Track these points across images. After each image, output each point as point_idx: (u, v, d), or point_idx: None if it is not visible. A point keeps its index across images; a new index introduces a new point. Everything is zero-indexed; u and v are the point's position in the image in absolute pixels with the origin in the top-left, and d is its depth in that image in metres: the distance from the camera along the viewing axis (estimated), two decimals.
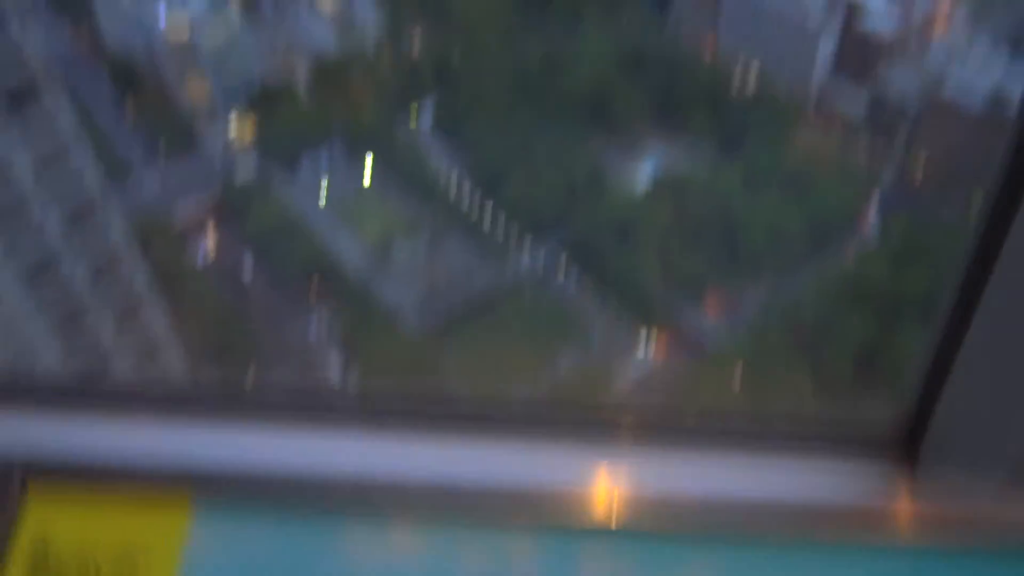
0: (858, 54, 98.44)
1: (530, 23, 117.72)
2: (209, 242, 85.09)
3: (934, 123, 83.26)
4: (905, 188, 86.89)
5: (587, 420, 3.12)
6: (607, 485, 2.84)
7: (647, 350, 72.07)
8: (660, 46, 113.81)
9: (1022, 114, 2.60)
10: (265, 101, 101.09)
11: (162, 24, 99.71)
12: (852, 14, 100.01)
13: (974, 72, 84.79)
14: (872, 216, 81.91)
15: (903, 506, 2.81)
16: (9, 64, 41.52)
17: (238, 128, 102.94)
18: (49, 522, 2.74)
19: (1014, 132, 2.67)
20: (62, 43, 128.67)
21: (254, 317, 72.01)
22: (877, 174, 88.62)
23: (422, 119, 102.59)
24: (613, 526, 2.70)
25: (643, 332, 72.00)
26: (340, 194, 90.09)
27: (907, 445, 2.97)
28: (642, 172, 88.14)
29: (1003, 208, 2.60)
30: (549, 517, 2.75)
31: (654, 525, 2.74)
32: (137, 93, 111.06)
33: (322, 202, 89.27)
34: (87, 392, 3.35)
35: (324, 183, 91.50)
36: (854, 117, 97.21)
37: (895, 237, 71.10)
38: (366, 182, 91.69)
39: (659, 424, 3.13)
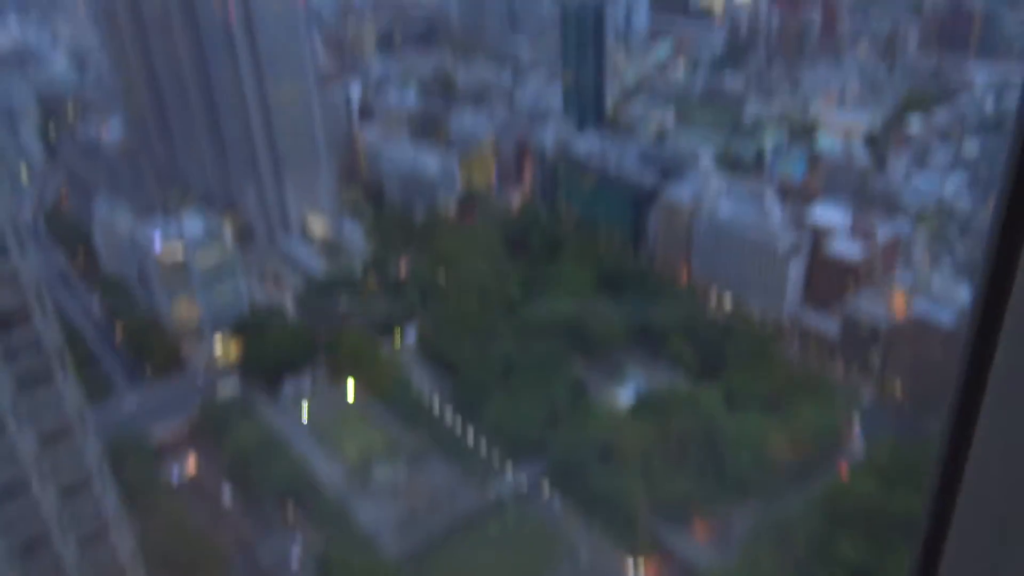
0: (827, 278, 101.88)
1: (512, 252, 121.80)
2: (186, 462, 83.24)
3: (906, 343, 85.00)
4: (886, 405, 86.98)
5: None
6: None
7: (636, 574, 68.94)
8: (636, 273, 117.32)
9: (969, 340, 2.75)
10: (252, 322, 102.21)
11: (157, 248, 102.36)
12: (818, 241, 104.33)
13: (939, 295, 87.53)
14: (856, 434, 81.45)
15: None
16: (3, 287, 42.40)
17: (223, 349, 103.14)
18: None
19: (964, 355, 2.78)
20: (58, 266, 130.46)
21: (228, 539, 69.20)
22: (857, 392, 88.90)
23: (406, 341, 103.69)
24: None
25: (630, 555, 69.29)
26: (322, 414, 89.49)
27: None
28: (623, 393, 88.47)
29: (960, 432, 2.65)
30: None
31: None
32: (126, 313, 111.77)
33: (304, 421, 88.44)
34: None
35: (306, 403, 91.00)
36: (828, 338, 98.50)
37: (880, 455, 70.54)
38: (349, 401, 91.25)
39: None
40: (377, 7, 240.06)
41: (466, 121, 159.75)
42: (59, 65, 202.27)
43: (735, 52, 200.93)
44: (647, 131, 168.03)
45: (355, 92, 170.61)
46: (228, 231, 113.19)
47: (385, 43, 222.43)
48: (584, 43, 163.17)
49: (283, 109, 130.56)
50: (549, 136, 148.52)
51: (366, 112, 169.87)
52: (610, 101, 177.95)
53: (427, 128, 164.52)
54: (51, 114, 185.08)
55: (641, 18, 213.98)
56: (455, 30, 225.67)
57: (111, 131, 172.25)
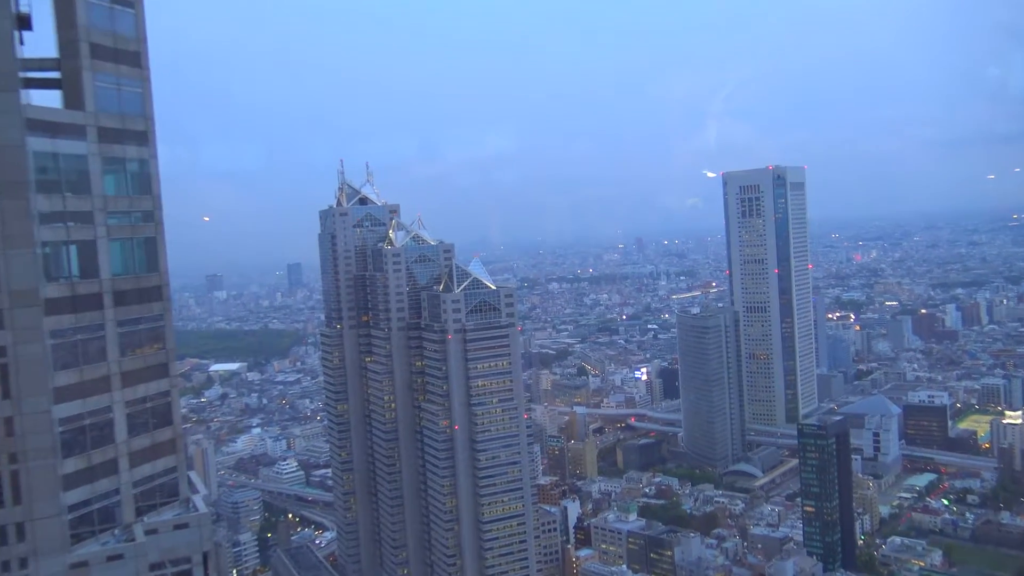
0: None
1: None
2: None
3: None
4: None
5: None
6: None
7: None
8: None
9: None
10: None
11: None
12: None
13: None
14: None
15: None
16: None
17: None
18: None
19: None
20: None
21: None
22: None
23: None
24: None
25: None
26: None
27: None
28: None
29: None
30: None
31: None
32: None
33: None
34: None
35: None
36: None
37: None
38: None
39: None
40: (606, 423, 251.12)
41: (693, 550, 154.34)
42: (288, 469, 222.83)
43: (1010, 487, 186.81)
44: (909, 575, 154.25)
45: (573, 511, 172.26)
46: None
47: (608, 461, 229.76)
48: (826, 471, 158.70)
49: (498, 525, 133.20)
50: (789, 574, 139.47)
51: (583, 533, 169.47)
52: (860, 537, 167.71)
53: (649, 555, 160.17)
54: (273, 519, 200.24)
55: (892, 446, 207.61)
56: (683, 454, 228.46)
57: (324, 540, 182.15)
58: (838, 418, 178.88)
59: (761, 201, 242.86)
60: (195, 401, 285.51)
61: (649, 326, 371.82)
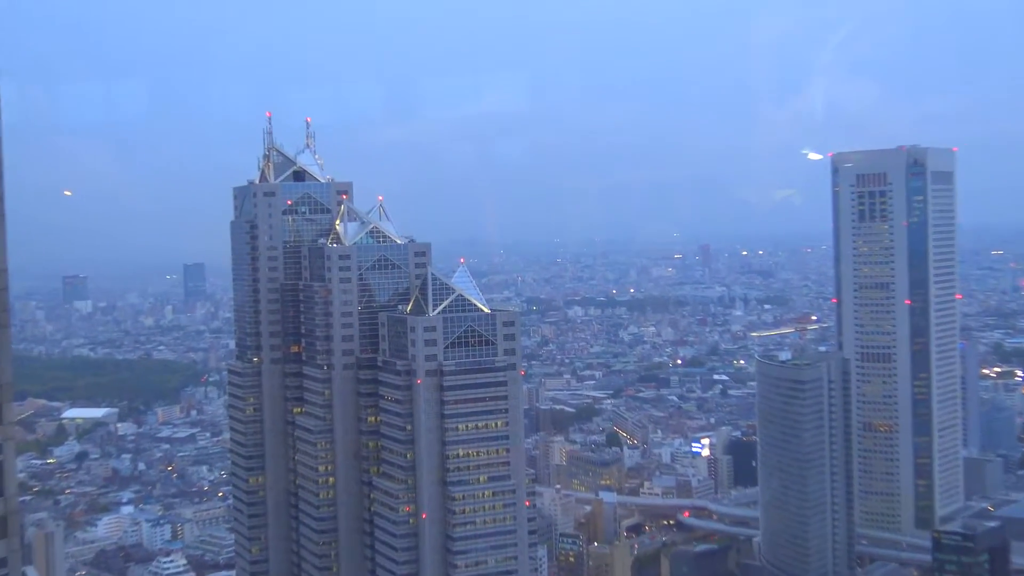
0: None
1: None
2: None
3: None
4: None
5: None
6: None
7: None
8: None
9: None
10: None
11: None
12: None
13: None
14: None
15: None
16: None
17: None
18: None
19: None
20: None
21: None
22: None
23: None
24: None
25: None
26: None
27: None
28: None
29: None
30: None
31: None
32: None
33: None
34: None
35: None
36: None
37: None
38: None
39: None
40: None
41: None
42: (173, 568, 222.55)
43: None
44: None
45: None
46: None
47: (648, 574, 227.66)
48: None
49: None
50: None
51: None
52: None
53: None
54: None
55: None
56: (761, 569, 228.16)
57: None
58: (993, 524, 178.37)
59: (888, 197, 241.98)
60: (39, 462, 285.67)
61: (716, 376, 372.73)
